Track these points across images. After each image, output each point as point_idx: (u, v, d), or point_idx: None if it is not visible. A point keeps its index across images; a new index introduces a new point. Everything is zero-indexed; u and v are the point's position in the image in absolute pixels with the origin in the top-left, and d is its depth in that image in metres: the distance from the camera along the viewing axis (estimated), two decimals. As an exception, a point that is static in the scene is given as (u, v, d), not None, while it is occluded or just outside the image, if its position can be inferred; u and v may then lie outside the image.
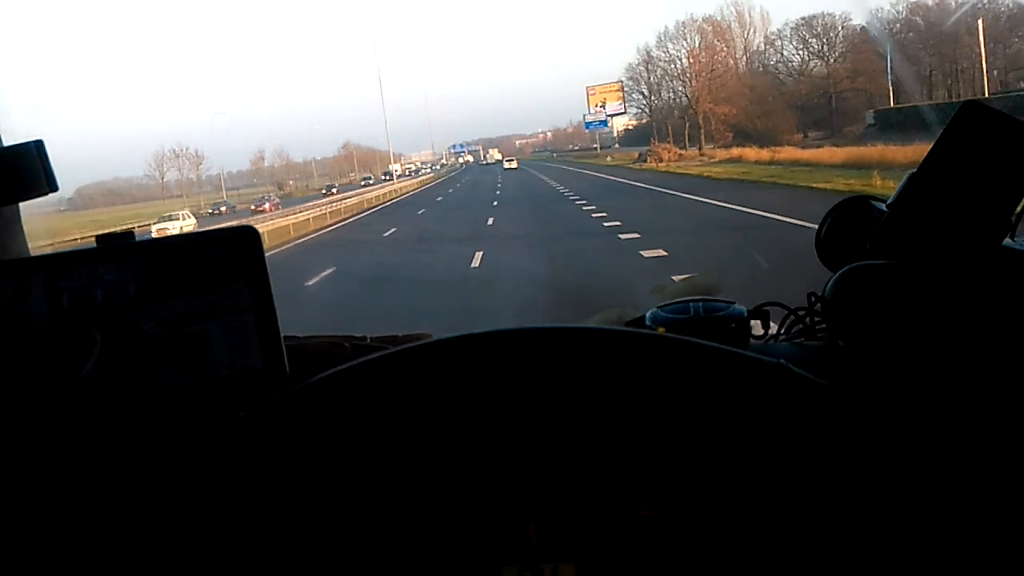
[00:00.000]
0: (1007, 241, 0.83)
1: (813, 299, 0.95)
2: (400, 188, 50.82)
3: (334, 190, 61.23)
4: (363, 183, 71.46)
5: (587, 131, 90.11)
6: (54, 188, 0.84)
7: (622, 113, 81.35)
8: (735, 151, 47.80)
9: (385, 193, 44.27)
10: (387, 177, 75.59)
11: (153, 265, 0.77)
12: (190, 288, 0.78)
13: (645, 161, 50.09)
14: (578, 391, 0.74)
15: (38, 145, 0.84)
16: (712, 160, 44.94)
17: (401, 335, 0.97)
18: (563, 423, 0.74)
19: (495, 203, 27.78)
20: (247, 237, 0.78)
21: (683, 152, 53.46)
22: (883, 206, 0.92)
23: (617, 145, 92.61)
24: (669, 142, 61.59)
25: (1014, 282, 0.79)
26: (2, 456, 0.78)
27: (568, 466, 0.74)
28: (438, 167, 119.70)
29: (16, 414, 0.76)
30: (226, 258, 0.78)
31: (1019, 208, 0.83)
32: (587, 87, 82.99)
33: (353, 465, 0.75)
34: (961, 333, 0.78)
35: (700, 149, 55.05)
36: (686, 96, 65.11)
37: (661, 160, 48.67)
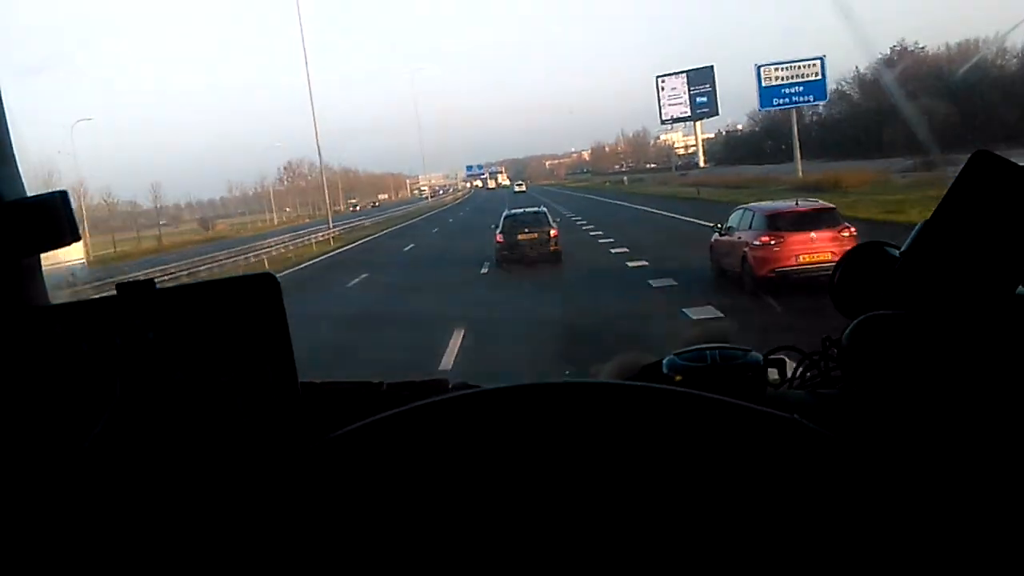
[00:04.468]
0: (1021, 289, 0.83)
1: (827, 343, 0.95)
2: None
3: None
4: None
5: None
6: (76, 238, 0.85)
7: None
8: None
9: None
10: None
11: (173, 312, 0.78)
12: (209, 335, 0.78)
13: None
14: (595, 444, 0.75)
15: (62, 195, 0.84)
16: None
17: (418, 380, 0.97)
18: (577, 476, 0.75)
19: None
20: (266, 284, 0.80)
21: None
22: (897, 252, 0.92)
23: (704, 163, 61.84)
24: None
25: None
26: (24, 504, 0.78)
27: (580, 518, 0.75)
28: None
29: (33, 465, 0.76)
30: (245, 305, 0.79)
31: None
32: (657, 76, 60.02)
33: (375, 516, 0.76)
34: (980, 384, 0.78)
35: None
36: None
37: None
